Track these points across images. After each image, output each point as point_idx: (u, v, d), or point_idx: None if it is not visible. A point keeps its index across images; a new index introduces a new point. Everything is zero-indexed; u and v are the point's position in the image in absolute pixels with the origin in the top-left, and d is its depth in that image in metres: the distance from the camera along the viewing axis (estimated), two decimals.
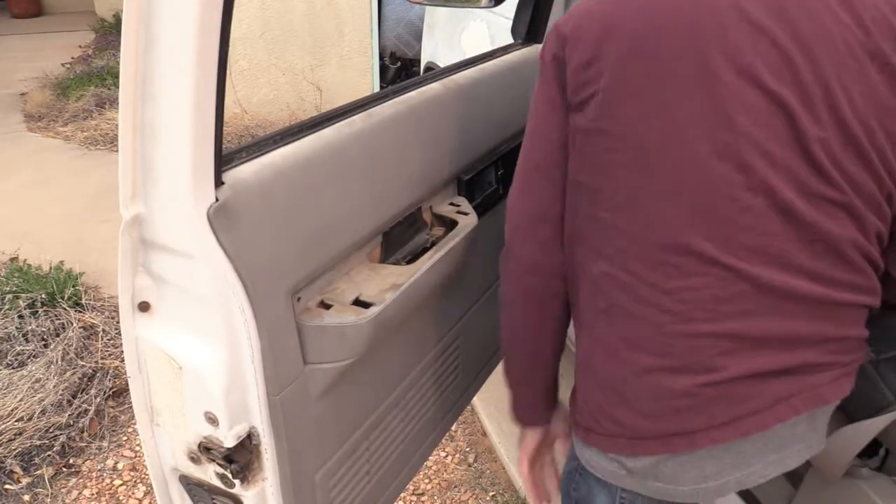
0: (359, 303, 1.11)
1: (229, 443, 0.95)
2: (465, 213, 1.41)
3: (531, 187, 1.08)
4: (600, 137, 0.95)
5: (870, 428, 1.27)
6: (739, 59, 0.88)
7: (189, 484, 1.04)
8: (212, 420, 0.94)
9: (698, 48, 0.88)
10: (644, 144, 0.92)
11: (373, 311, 1.08)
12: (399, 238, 1.29)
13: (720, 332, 0.95)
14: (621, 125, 0.93)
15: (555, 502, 1.30)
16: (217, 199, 0.85)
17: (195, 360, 0.92)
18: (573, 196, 1.03)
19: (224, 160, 0.89)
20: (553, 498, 1.30)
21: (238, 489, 1.00)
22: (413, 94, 1.28)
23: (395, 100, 1.24)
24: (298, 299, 1.04)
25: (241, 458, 0.97)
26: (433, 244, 1.32)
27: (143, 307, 0.93)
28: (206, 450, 0.96)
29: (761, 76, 0.88)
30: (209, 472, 1.00)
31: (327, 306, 1.08)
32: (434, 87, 1.35)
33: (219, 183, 0.86)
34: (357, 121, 1.13)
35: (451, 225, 1.38)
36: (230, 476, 0.97)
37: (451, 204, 1.43)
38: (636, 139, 0.93)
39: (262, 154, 0.97)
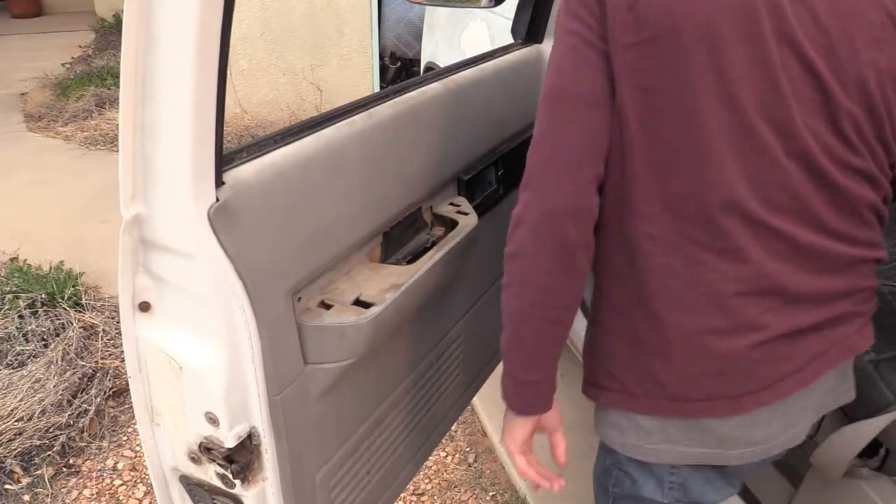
0: (359, 303, 1.11)
1: (230, 443, 0.95)
2: (466, 213, 1.41)
3: (573, 118, 0.96)
4: (647, 92, 0.92)
5: (870, 428, 1.27)
6: (784, 26, 0.88)
7: (189, 484, 1.04)
8: (212, 420, 0.94)
9: (747, 3, 0.87)
10: (695, 102, 0.90)
11: (373, 311, 1.08)
12: (399, 238, 1.29)
13: (764, 291, 0.97)
14: (670, 79, 0.90)
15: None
16: (217, 199, 0.85)
17: (195, 360, 0.92)
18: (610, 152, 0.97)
19: (224, 160, 0.89)
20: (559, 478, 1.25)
21: (238, 489, 1.00)
22: (413, 94, 1.28)
23: (396, 100, 1.24)
24: (299, 299, 1.04)
25: (241, 459, 0.97)
26: (433, 244, 1.32)
27: (144, 307, 0.93)
28: (206, 450, 0.97)
29: (802, 47, 0.89)
30: (209, 473, 1.00)
31: (328, 306, 1.08)
32: (434, 87, 1.35)
33: (219, 183, 0.86)
34: (357, 121, 1.13)
35: (451, 225, 1.38)
36: (230, 476, 0.97)
37: (452, 204, 1.43)
38: (687, 95, 0.90)
39: (263, 154, 0.97)
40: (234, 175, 0.90)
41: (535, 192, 0.98)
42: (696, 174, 0.93)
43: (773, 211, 0.94)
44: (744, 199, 0.93)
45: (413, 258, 1.28)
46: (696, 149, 0.92)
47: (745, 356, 0.99)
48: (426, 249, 1.30)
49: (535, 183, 0.98)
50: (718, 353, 0.99)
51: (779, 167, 0.93)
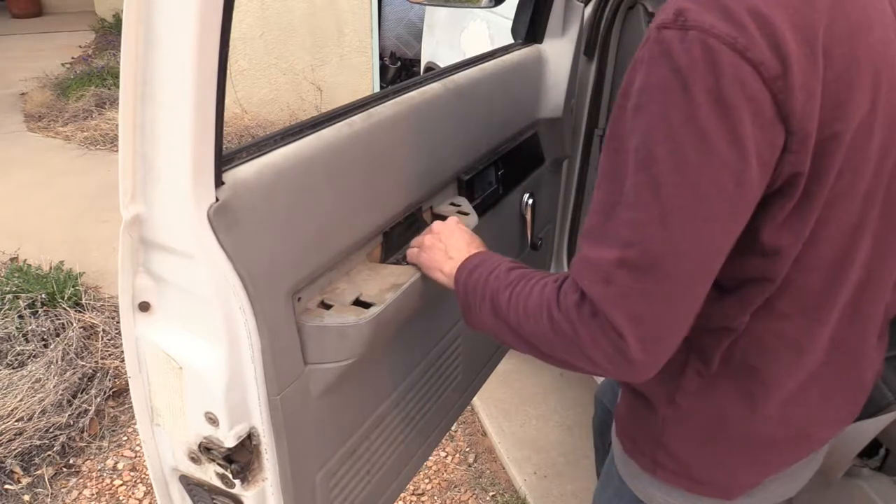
0: (359, 303, 1.11)
1: (229, 443, 0.95)
2: (466, 213, 1.41)
3: (699, 232, 0.76)
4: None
5: (870, 428, 1.27)
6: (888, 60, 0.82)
7: (189, 484, 1.04)
8: (212, 420, 0.94)
9: (875, 43, 0.80)
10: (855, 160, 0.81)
11: (373, 311, 1.08)
12: (400, 238, 1.29)
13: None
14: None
15: None
16: (217, 199, 0.85)
17: (195, 360, 0.92)
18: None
19: (224, 160, 0.89)
20: None
21: (238, 489, 1.00)
22: (413, 94, 1.28)
23: (396, 100, 1.23)
24: (299, 299, 1.04)
25: (241, 459, 0.97)
26: None
27: (144, 307, 0.93)
28: (206, 450, 0.97)
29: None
30: (209, 473, 1.00)
31: (328, 306, 1.08)
32: (434, 87, 1.35)
33: (219, 183, 0.86)
34: (357, 121, 1.13)
35: None
36: (230, 476, 0.97)
37: (452, 204, 1.43)
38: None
39: (263, 154, 0.97)
40: (233, 175, 0.90)
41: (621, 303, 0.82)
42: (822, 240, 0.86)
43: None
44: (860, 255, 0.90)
45: None
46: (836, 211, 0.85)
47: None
48: None
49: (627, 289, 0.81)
50: (815, 440, 1.03)
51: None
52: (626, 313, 0.78)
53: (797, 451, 1.03)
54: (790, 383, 0.95)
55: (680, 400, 0.97)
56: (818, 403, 0.99)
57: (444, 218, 1.40)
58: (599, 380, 1.82)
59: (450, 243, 1.16)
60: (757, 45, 0.70)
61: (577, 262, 0.83)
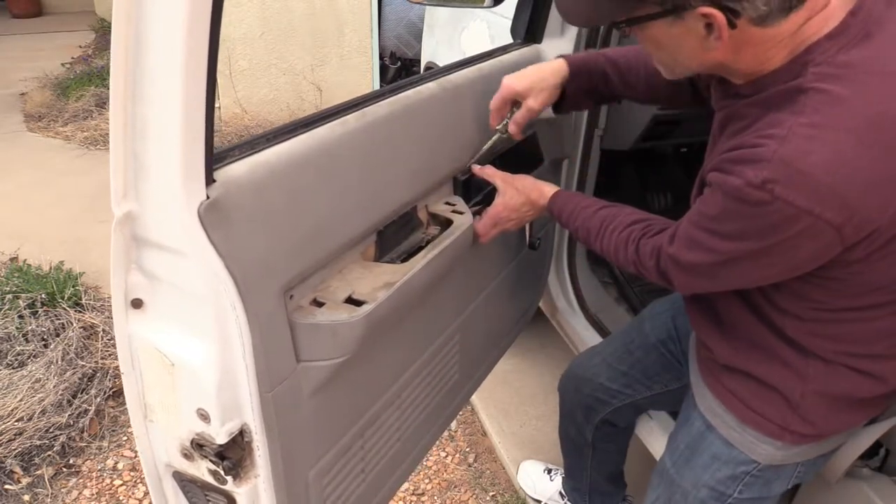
0: (351, 301, 1.11)
1: (221, 439, 0.95)
2: (461, 213, 1.41)
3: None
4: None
5: (873, 431, 1.27)
6: None
7: (182, 480, 1.05)
8: (204, 417, 0.94)
9: None
10: None
11: (365, 309, 1.09)
12: (394, 237, 1.29)
13: None
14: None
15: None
16: (208, 197, 0.85)
17: (187, 356, 0.92)
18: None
19: (216, 158, 0.89)
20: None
21: (230, 486, 1.00)
22: (409, 93, 1.29)
23: (390, 99, 1.24)
24: (291, 297, 1.04)
25: (233, 455, 0.97)
26: (428, 243, 1.32)
27: (136, 304, 0.94)
28: (198, 446, 0.97)
29: None
30: (202, 469, 1.00)
31: (320, 304, 1.09)
32: (430, 87, 1.35)
33: (210, 181, 0.86)
34: (351, 120, 1.13)
35: (446, 224, 1.39)
36: (222, 473, 0.98)
37: (447, 203, 1.43)
38: None
39: (255, 152, 0.97)
40: (225, 173, 0.90)
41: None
42: None
43: None
44: None
45: (407, 257, 1.28)
46: None
47: None
48: (421, 248, 1.30)
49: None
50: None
51: None
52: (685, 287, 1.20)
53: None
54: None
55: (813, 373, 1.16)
56: None
57: (439, 217, 1.40)
58: (582, 360, 1.83)
59: (520, 185, 1.45)
60: None
61: (668, 260, 1.14)
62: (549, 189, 1.43)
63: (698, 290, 1.24)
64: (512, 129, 1.46)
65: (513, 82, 1.42)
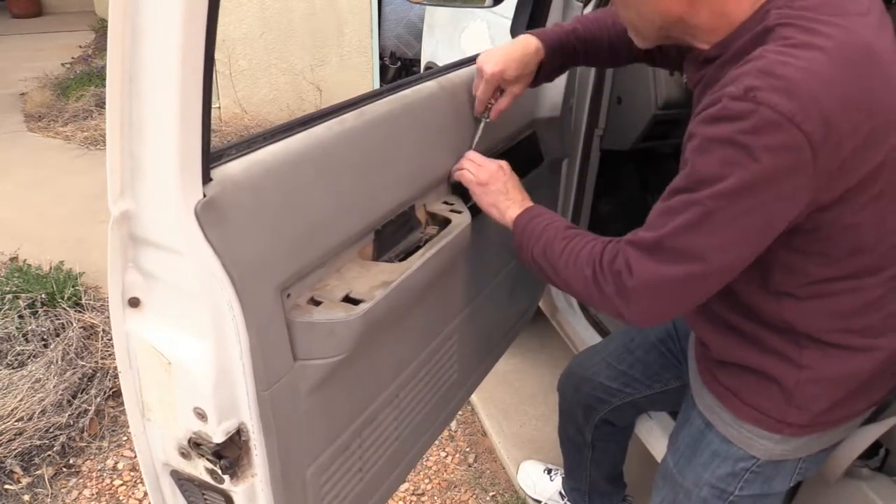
0: (349, 300, 1.11)
1: (218, 438, 0.95)
2: (459, 212, 1.41)
3: (738, 242, 1.02)
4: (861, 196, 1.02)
5: (873, 431, 1.27)
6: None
7: (180, 479, 1.05)
8: (201, 415, 0.94)
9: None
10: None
11: (362, 307, 1.08)
12: (392, 236, 1.29)
13: None
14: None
15: None
16: (205, 196, 0.86)
17: (184, 355, 0.92)
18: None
19: (213, 157, 0.89)
20: None
21: (227, 485, 1.00)
22: (407, 92, 1.29)
23: (388, 98, 1.24)
24: (288, 296, 1.04)
25: (230, 454, 0.97)
26: (426, 242, 1.32)
27: (133, 303, 0.94)
28: (195, 445, 0.97)
29: None
30: (199, 468, 1.00)
31: (317, 303, 1.09)
32: (429, 86, 1.35)
33: (207, 179, 0.86)
34: (349, 119, 1.13)
35: (444, 223, 1.38)
36: (219, 471, 0.98)
37: (445, 202, 1.43)
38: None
39: (252, 151, 0.97)
40: (222, 172, 0.90)
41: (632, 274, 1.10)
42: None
43: None
44: None
45: (405, 256, 1.28)
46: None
47: None
48: (419, 247, 1.30)
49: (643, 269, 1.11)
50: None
51: None
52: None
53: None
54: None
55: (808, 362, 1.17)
56: None
57: (437, 216, 1.40)
58: (581, 359, 1.83)
59: (510, 186, 1.39)
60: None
61: (630, 247, 1.10)
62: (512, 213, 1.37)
63: (664, 291, 1.07)
64: (494, 115, 1.47)
65: (500, 70, 1.40)
